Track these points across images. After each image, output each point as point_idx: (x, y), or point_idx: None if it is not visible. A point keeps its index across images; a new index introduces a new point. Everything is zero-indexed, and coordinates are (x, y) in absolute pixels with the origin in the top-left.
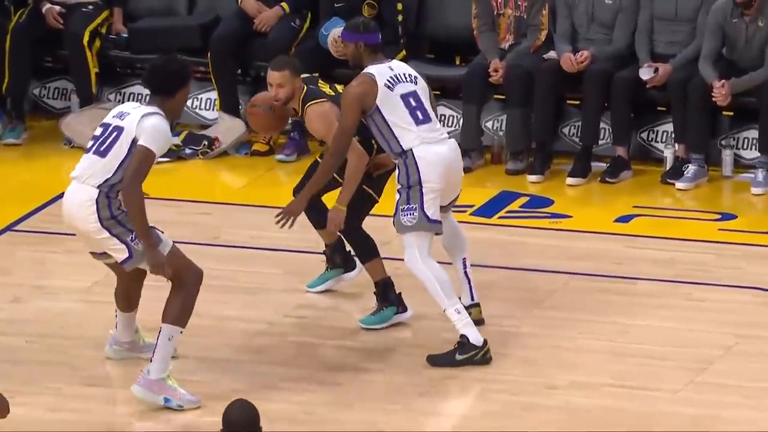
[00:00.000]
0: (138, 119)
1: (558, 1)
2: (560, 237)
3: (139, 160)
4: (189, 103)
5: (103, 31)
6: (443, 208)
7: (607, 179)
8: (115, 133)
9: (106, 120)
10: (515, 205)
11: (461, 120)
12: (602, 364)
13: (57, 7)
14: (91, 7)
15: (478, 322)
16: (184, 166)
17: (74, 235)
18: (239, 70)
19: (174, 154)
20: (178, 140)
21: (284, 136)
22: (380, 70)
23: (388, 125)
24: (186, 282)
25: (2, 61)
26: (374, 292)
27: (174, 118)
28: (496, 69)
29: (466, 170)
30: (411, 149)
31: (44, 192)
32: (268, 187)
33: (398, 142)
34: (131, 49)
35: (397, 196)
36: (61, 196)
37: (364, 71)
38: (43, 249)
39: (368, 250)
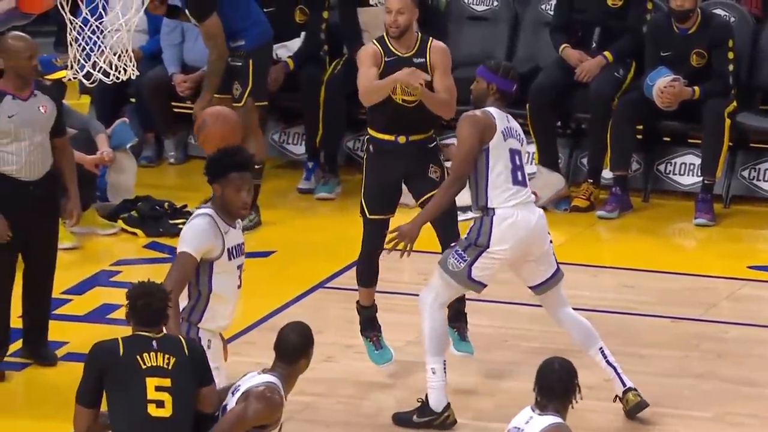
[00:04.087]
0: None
1: None
2: None
3: (173, 264)
4: None
5: None
6: (535, 289)
7: None
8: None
9: None
10: None
11: None
12: None
13: None
14: None
15: (639, 406)
16: None
17: (388, 292)
18: (559, 123)
19: None
20: None
21: (605, 191)
22: (500, 115)
23: (487, 173)
24: None
25: (316, 114)
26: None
27: (234, 213)
28: None
29: None
30: (494, 209)
31: (356, 248)
32: (588, 245)
33: (486, 195)
34: None
35: (461, 239)
36: None
37: (483, 108)
38: (355, 307)
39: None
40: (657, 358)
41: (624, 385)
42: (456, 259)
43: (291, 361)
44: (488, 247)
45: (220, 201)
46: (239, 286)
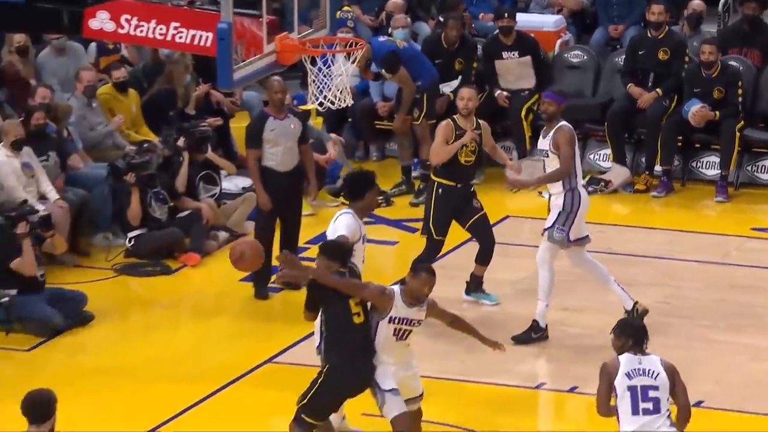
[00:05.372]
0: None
1: None
2: None
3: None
4: (590, 156)
5: (535, 108)
6: (581, 240)
7: None
8: None
9: None
10: None
11: None
12: None
13: (504, 93)
14: (526, 92)
15: (645, 311)
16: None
17: (510, 244)
18: (626, 134)
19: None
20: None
21: (657, 179)
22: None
23: (575, 166)
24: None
25: None
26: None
27: (365, 213)
28: None
29: None
30: (577, 187)
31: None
32: (645, 214)
33: (577, 179)
34: None
35: (556, 215)
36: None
37: (564, 123)
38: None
39: None
40: (690, 288)
41: (631, 300)
42: (559, 232)
43: (408, 280)
44: (578, 210)
45: (361, 205)
46: (363, 261)
